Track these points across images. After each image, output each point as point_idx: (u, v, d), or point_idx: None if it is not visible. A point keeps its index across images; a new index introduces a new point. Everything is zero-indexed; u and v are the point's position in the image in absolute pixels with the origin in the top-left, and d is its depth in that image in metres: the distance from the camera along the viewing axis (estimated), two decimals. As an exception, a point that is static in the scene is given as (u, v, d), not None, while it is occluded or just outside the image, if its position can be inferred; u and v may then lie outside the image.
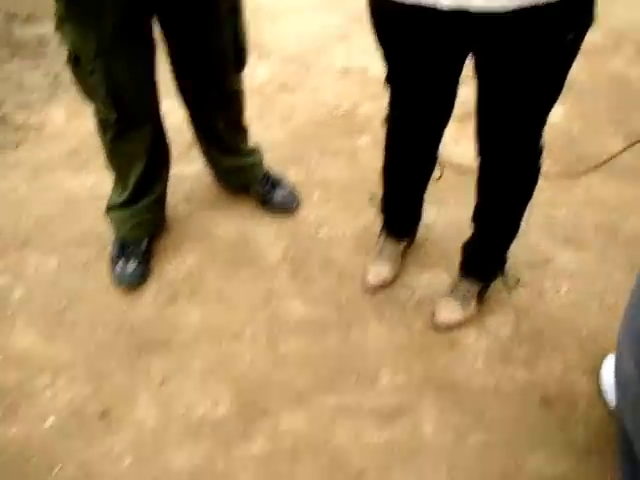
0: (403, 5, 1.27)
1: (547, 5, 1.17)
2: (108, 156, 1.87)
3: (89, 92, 1.67)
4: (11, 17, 3.19)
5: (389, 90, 1.58)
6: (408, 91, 1.54)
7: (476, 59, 1.38)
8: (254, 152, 2.14)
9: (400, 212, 1.94)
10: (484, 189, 1.66)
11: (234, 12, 1.72)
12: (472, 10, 1.20)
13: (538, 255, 2.04)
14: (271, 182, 2.16)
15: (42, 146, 2.48)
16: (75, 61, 1.59)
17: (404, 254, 2.00)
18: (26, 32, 3.10)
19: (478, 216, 1.73)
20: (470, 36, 1.31)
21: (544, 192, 2.24)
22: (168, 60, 1.81)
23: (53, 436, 1.60)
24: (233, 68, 1.84)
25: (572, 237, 2.11)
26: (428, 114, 1.58)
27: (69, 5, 1.49)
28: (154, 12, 1.64)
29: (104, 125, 1.77)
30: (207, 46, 1.72)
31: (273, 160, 2.22)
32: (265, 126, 2.42)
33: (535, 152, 1.53)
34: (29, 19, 3.18)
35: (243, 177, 2.15)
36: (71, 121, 2.58)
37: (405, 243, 1.98)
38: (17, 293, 1.94)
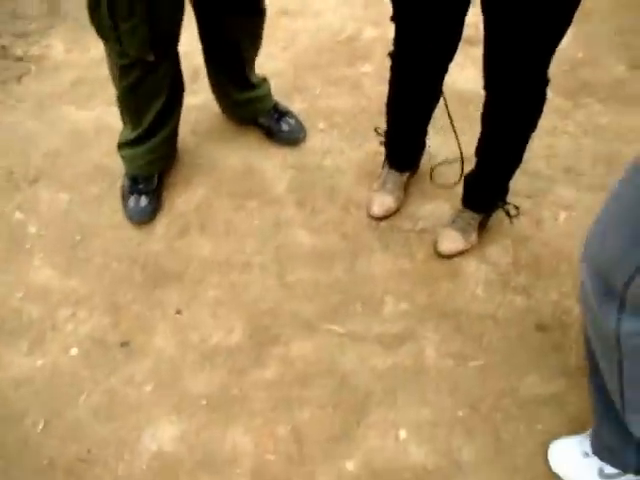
0: None
1: None
2: (125, 99, 1.85)
3: (119, 37, 1.60)
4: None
5: (395, 27, 1.59)
6: (414, 28, 1.55)
7: None
8: (263, 84, 2.15)
9: (404, 145, 1.97)
10: (489, 120, 1.68)
11: None
12: None
13: (538, 184, 2.08)
14: (278, 113, 2.18)
15: (45, 78, 2.48)
16: (108, 7, 1.53)
17: (407, 184, 2.05)
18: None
19: (482, 148, 1.76)
20: None
21: (544, 120, 2.25)
22: None
23: (77, 366, 1.70)
24: None
25: (571, 166, 2.14)
26: (434, 50, 1.59)
27: None
28: None
29: (127, 70, 1.73)
30: None
31: (276, 89, 2.22)
32: (266, 54, 2.39)
33: (542, 82, 1.54)
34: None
35: (252, 109, 2.16)
36: (71, 52, 2.57)
37: (408, 174, 2.02)
38: (32, 229, 2.00)
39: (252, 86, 2.10)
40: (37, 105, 2.38)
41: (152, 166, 2.01)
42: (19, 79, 2.50)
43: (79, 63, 2.51)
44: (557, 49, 1.42)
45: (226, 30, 1.89)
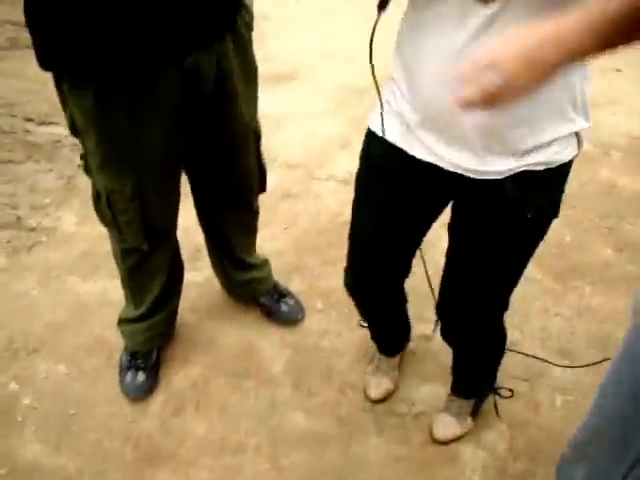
0: (404, 158, 1.33)
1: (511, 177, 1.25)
2: (127, 279, 1.93)
3: (118, 226, 1.72)
4: (27, 120, 3.35)
5: (349, 246, 1.59)
6: (370, 245, 1.54)
7: (450, 223, 1.47)
8: (263, 265, 2.23)
9: (386, 335, 2.01)
10: (454, 351, 1.77)
11: (257, 136, 1.82)
12: (465, 174, 1.26)
13: (533, 367, 2.10)
14: (277, 294, 2.24)
15: (54, 249, 2.57)
16: (107, 202, 1.65)
17: (401, 362, 2.08)
18: (41, 134, 3.24)
19: (455, 365, 1.83)
20: (447, 195, 1.41)
21: (537, 301, 2.34)
22: (190, 182, 1.88)
23: None
24: (257, 190, 1.94)
25: (565, 348, 2.18)
26: (389, 269, 1.62)
27: (107, 153, 1.55)
28: (187, 146, 1.70)
29: (127, 253, 1.83)
30: (235, 171, 1.81)
31: (276, 269, 2.30)
32: (269, 234, 2.52)
33: (499, 328, 1.64)
34: (44, 122, 3.33)
35: (251, 290, 2.23)
36: (82, 225, 2.68)
37: (399, 356, 2.06)
38: (26, 400, 1.99)
39: (252, 267, 2.18)
40: (44, 275, 2.45)
41: (151, 342, 2.05)
42: (29, 249, 2.59)
43: (88, 236, 2.62)
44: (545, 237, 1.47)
45: (220, 224, 2.01)
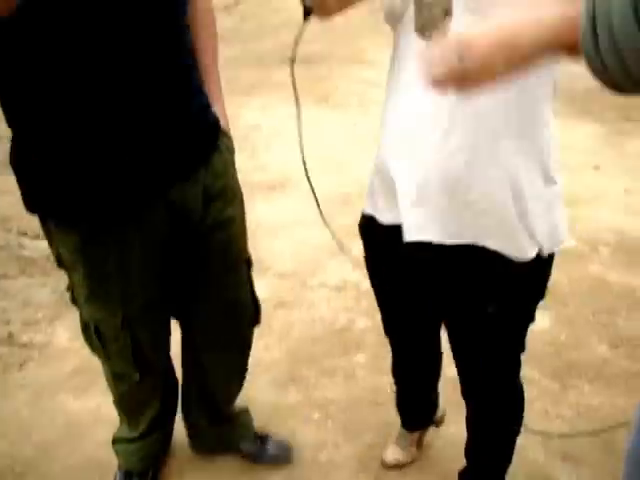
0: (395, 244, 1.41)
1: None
2: (119, 403, 1.89)
3: (107, 355, 1.70)
4: (22, 234, 3.39)
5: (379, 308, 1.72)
6: (395, 315, 1.69)
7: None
8: (243, 413, 2.10)
9: (412, 409, 2.01)
10: (471, 426, 1.75)
11: (249, 265, 1.80)
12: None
13: (538, 472, 2.05)
14: (259, 438, 2.10)
15: (46, 366, 2.54)
16: (96, 332, 1.63)
17: (421, 442, 2.08)
18: (35, 249, 3.27)
19: (470, 451, 1.79)
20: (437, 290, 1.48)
21: (537, 402, 2.31)
22: (180, 322, 1.85)
23: None
24: (250, 323, 1.87)
25: (569, 452, 2.13)
26: (419, 338, 1.72)
27: (94, 287, 1.55)
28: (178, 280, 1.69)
29: (118, 378, 1.79)
30: (228, 302, 1.76)
31: (271, 380, 2.28)
32: (263, 344, 2.51)
33: (514, 394, 1.64)
34: (38, 236, 3.36)
35: (232, 442, 2.09)
36: (75, 340, 2.65)
37: (418, 434, 2.06)
38: (13, 532, 1.91)
39: (230, 419, 2.05)
40: (35, 393, 2.40)
41: (147, 461, 1.99)
42: (21, 366, 2.55)
43: (81, 351, 2.56)
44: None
45: (207, 366, 1.89)
